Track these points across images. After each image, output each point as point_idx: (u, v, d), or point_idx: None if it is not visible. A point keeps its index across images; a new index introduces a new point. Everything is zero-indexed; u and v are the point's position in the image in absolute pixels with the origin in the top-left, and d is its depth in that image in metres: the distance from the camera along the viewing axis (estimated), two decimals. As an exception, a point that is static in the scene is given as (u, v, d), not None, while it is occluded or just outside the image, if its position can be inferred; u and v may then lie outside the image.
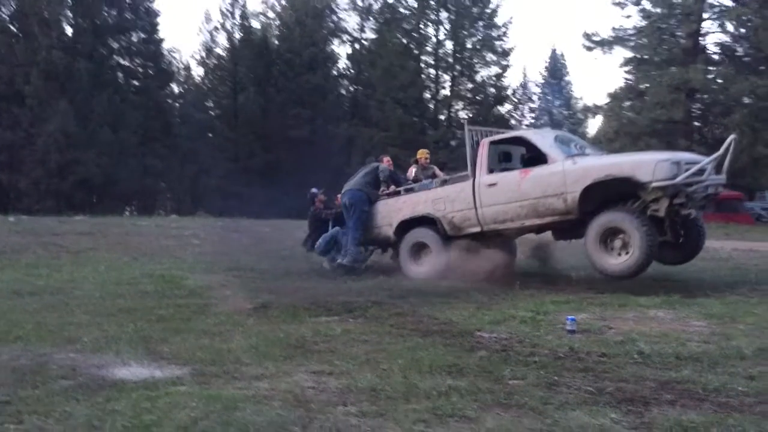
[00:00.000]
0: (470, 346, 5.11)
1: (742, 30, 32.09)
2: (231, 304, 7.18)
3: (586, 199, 8.11)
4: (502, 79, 39.84)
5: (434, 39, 39.58)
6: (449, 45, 39.43)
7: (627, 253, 7.81)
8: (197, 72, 43.75)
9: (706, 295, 7.26)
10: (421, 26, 39.32)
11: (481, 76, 39.74)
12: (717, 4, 32.11)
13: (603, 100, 35.52)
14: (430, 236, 9.50)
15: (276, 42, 41.39)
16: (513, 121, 43.03)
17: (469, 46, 39.07)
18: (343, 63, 43.19)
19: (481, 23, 38.66)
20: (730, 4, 31.57)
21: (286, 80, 39.01)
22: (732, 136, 7.92)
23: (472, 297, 7.63)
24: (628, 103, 34.15)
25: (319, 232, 11.06)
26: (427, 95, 40.19)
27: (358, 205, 10.07)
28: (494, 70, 39.53)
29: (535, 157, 9.02)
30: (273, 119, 38.18)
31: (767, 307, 6.35)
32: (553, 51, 61.00)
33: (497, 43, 38.97)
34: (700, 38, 32.83)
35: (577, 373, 4.19)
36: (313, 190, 11.72)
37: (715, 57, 33.36)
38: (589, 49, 34.15)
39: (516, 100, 43.61)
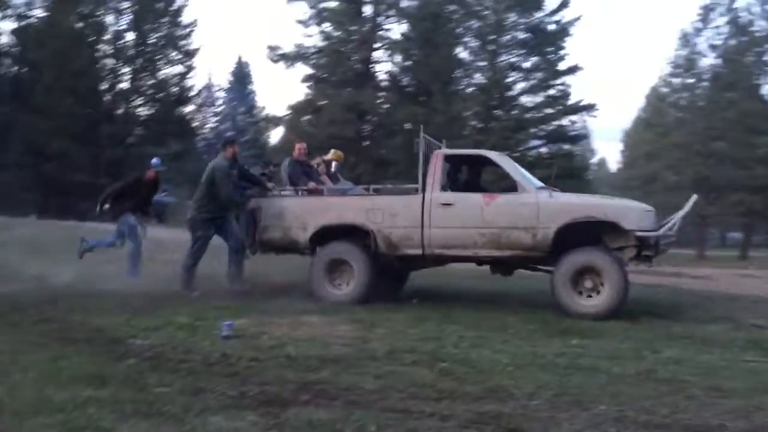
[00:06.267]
0: (119, 354, 4.92)
1: (408, 62, 35.78)
2: None
3: (557, 238, 7.57)
4: (186, 79, 39.04)
5: (114, 28, 37.33)
6: (130, 37, 37.50)
7: (598, 293, 7.41)
8: None
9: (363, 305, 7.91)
10: (100, 12, 36.77)
11: (164, 74, 38.49)
12: (387, 36, 35.34)
13: (285, 111, 36.73)
14: (353, 253, 8.18)
15: None
16: (196, 123, 42.47)
17: (152, 41, 37.59)
18: (4, 39, 38.46)
19: (165, 19, 37.47)
20: (399, 38, 34.97)
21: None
22: (694, 196, 7.97)
23: (132, 303, 7.36)
24: (307, 117, 35.81)
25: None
26: (104, 87, 37.67)
27: (193, 232, 8.57)
28: (178, 69, 38.59)
29: (473, 182, 8.70)
30: None
31: (405, 314, 7.11)
32: (240, 58, 61.44)
33: (182, 42, 38.10)
34: (372, 65, 35.85)
35: (224, 378, 4.28)
36: (155, 160, 10.07)
37: (384, 84, 36.65)
38: (274, 61, 35.16)
39: (199, 102, 43.07)
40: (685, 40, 40.63)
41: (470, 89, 36.12)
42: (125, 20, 37.30)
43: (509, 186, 8.19)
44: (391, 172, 29.94)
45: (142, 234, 9.75)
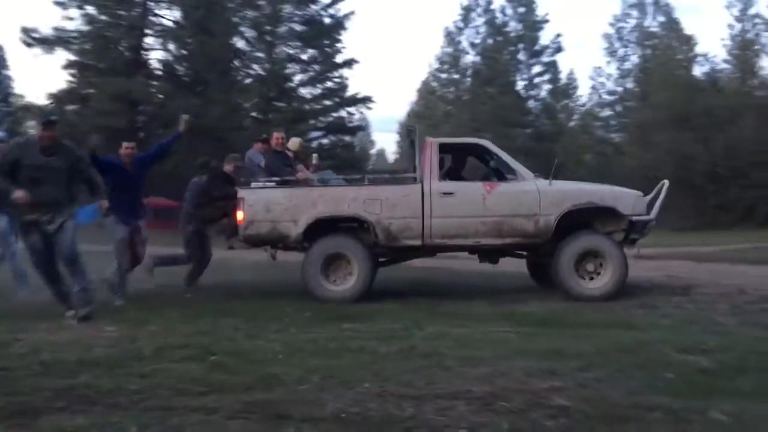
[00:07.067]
0: None
1: (183, 51, 34.56)
2: None
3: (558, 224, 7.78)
4: None
5: None
6: None
7: (599, 275, 7.75)
8: None
9: (134, 302, 7.57)
10: None
11: None
12: (159, 23, 33.85)
13: (45, 100, 33.72)
14: (352, 246, 7.85)
15: None
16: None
17: None
18: None
19: None
20: (171, 25, 33.65)
21: None
22: (666, 182, 8.26)
23: None
24: (72, 107, 33.23)
25: None
26: None
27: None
28: None
29: (457, 170, 8.63)
30: None
31: (178, 310, 6.89)
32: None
33: None
34: (143, 52, 34.16)
35: (-36, 394, 3.88)
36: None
37: (158, 72, 35.10)
38: (29, 45, 32.16)
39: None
40: (450, 38, 43.62)
41: (248, 80, 35.80)
42: None
43: (485, 174, 8.60)
44: (169, 164, 28.76)
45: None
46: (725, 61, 45.25)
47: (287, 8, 34.91)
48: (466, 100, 42.68)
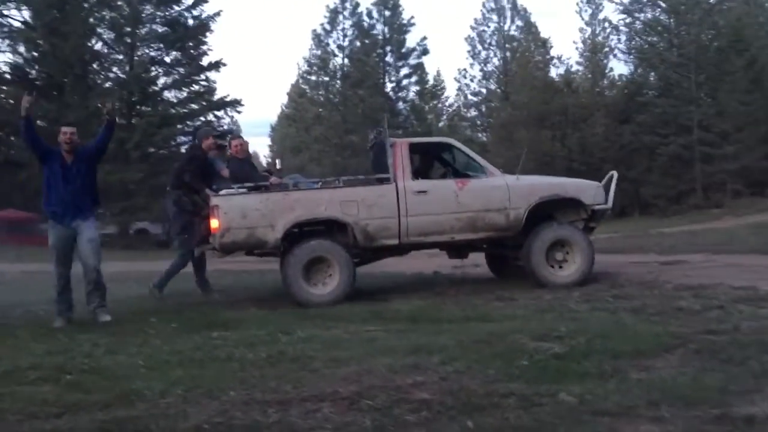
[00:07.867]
0: None
1: (34, 54, 32.54)
2: None
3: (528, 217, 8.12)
4: None
5: None
6: None
7: (567, 264, 8.14)
8: None
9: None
10: None
11: None
12: (7, 24, 31.74)
13: None
14: (334, 249, 7.79)
15: None
16: None
17: None
18: None
19: None
20: (21, 26, 31.60)
21: None
22: (615, 173, 8.62)
23: None
24: None
25: None
26: None
27: None
28: None
29: (426, 169, 8.97)
30: None
31: (28, 330, 6.49)
32: None
33: None
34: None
35: None
36: None
37: (7, 76, 32.89)
38: None
39: None
40: (318, 40, 43.65)
41: (108, 84, 34.20)
42: None
43: (444, 173, 9.00)
44: (23, 175, 27.10)
45: None
46: (578, 63, 48.15)
47: (148, 9, 33.58)
48: (336, 102, 42.87)
